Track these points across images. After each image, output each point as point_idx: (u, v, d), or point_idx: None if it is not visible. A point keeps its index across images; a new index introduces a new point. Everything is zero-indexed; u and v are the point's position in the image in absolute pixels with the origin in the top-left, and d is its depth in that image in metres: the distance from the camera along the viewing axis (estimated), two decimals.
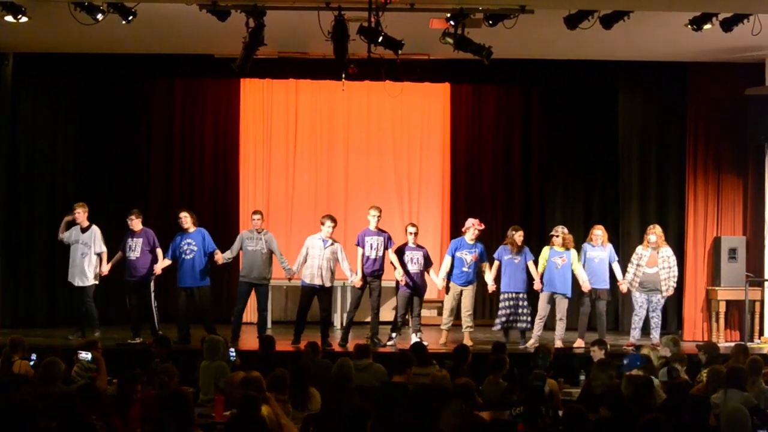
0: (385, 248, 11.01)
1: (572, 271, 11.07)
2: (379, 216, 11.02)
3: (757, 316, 11.82)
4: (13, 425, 5.29)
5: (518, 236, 11.09)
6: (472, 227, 11.10)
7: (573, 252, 11.11)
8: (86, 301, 11.15)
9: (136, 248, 11.00)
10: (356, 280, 10.94)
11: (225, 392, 7.08)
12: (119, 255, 11.12)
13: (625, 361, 8.02)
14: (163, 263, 11.04)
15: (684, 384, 7.57)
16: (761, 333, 11.80)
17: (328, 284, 10.92)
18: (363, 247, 10.96)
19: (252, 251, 11.03)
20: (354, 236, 11.31)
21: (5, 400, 5.88)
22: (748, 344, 10.67)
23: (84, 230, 11.14)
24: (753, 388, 7.28)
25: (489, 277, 11.12)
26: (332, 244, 10.91)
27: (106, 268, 11.18)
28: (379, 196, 13.40)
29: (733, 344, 10.04)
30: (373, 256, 10.95)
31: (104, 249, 11.18)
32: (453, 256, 11.06)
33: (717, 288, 11.87)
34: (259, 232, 11.08)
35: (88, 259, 11.11)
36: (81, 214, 11.12)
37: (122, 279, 11.21)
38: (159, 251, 11.11)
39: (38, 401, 5.80)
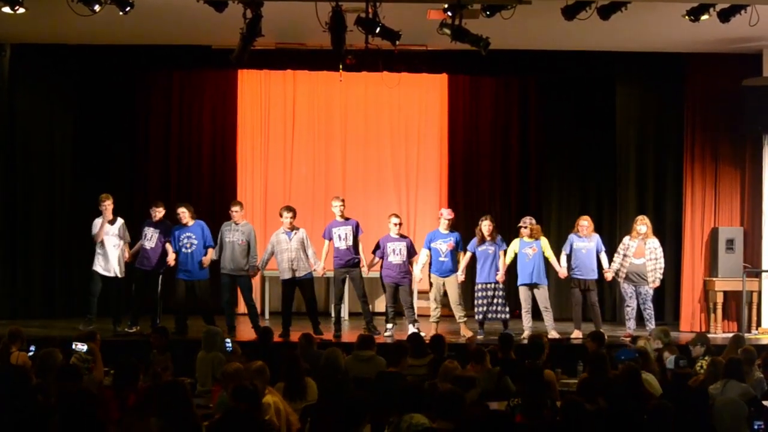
0: (355, 236, 10.98)
1: (546, 259, 11.08)
2: (342, 205, 10.99)
3: (754, 306, 11.81)
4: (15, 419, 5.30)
5: (484, 226, 11.02)
6: (442, 217, 11.11)
7: (543, 240, 11.10)
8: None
9: (152, 238, 11.02)
10: (319, 268, 10.95)
11: (222, 383, 7.09)
12: (140, 244, 11.12)
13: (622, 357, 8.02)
14: (172, 255, 11.02)
15: (686, 374, 7.59)
16: (759, 324, 11.81)
17: (303, 273, 10.88)
18: (331, 239, 10.96)
19: (228, 242, 10.97)
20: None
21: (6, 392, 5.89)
22: (746, 335, 10.70)
23: (112, 222, 11.10)
24: (748, 378, 7.32)
25: (460, 267, 11.11)
26: (296, 233, 10.90)
27: (127, 255, 11.16)
28: (377, 186, 13.40)
29: (731, 335, 10.06)
30: (343, 247, 10.91)
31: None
32: (429, 248, 11.06)
33: (714, 279, 11.86)
34: (237, 224, 11.04)
35: (121, 249, 11.10)
36: (109, 206, 11.08)
37: (128, 266, 11.19)
38: (168, 245, 11.11)
39: (37, 392, 5.82)
